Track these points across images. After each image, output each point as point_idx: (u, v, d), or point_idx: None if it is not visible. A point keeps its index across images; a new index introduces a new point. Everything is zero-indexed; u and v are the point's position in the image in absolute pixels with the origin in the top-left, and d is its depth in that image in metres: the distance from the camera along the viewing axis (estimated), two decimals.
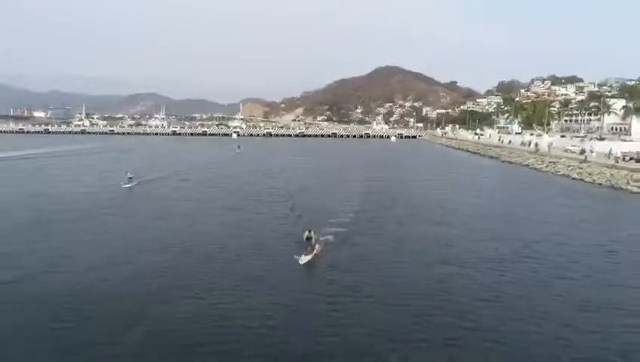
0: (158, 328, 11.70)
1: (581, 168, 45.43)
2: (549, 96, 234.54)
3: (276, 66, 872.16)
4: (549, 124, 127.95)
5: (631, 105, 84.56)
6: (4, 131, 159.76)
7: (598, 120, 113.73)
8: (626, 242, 20.66)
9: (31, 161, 58.36)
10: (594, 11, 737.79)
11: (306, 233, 17.80)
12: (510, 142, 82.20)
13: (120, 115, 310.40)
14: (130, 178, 34.66)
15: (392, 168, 56.75)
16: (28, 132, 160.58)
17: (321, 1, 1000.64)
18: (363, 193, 33.90)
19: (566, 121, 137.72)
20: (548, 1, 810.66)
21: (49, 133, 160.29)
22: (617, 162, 43.39)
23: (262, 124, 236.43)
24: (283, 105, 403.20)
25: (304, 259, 16.72)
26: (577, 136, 77.02)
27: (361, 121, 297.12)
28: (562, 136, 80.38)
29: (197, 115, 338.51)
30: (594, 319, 12.29)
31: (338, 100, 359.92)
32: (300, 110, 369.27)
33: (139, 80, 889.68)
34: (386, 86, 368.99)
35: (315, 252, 17.44)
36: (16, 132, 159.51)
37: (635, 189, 35.01)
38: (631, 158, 45.18)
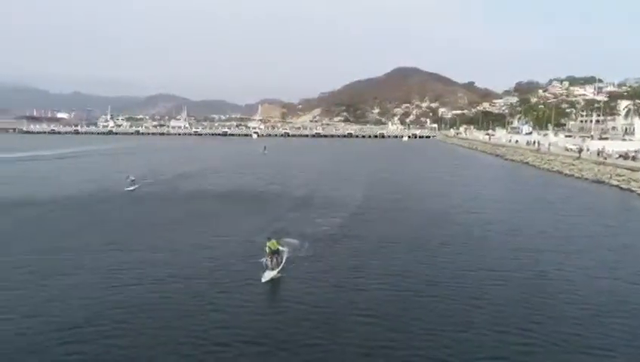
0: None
1: (573, 165, 49.25)
2: (567, 97, 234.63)
3: (294, 67, 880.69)
4: (563, 125, 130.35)
5: (631, 106, 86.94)
6: (38, 132, 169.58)
7: (614, 120, 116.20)
8: (568, 214, 25.51)
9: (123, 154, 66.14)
10: (614, 11, 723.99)
11: (269, 245, 15.04)
12: (517, 141, 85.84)
13: (140, 116, 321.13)
14: (133, 180, 35.06)
15: (400, 163, 61.14)
16: (59, 132, 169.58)
17: (339, 2, 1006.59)
18: (366, 186, 38.46)
19: (581, 121, 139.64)
20: (567, 1, 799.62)
21: (78, 133, 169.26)
22: (605, 159, 47.10)
23: (279, 125, 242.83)
24: (300, 105, 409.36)
25: (268, 276, 14.42)
26: (582, 136, 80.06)
27: (377, 122, 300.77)
28: (567, 136, 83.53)
29: (215, 116, 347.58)
30: (526, 244, 16.82)
31: (355, 101, 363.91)
32: (317, 111, 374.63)
33: (157, 81, 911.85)
34: (403, 87, 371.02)
35: (281, 266, 15.15)
36: (49, 132, 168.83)
37: (615, 182, 38.87)
38: (620, 156, 49.00)
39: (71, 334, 10.96)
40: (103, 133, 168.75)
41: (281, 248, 15.51)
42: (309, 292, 13.86)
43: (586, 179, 43.16)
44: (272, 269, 14.71)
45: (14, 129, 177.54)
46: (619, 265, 16.78)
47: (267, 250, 15.02)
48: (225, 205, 28.59)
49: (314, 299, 13.27)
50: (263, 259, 15.26)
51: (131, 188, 34.05)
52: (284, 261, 15.49)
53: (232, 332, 11.14)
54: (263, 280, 14.28)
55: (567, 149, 62.83)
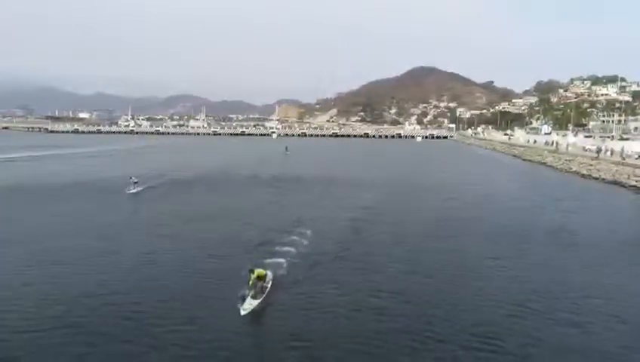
0: None
1: (591, 165, 48.93)
2: (589, 96, 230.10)
3: (311, 68, 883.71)
4: (584, 125, 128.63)
5: None
6: (62, 131, 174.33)
7: (636, 120, 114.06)
8: (576, 213, 25.80)
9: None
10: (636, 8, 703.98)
11: (252, 276, 12.95)
12: (535, 142, 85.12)
13: (160, 117, 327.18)
14: (136, 183, 33.35)
15: (413, 163, 61.56)
16: (82, 132, 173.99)
17: (357, 1, 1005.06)
18: (383, 184, 39.12)
19: (603, 121, 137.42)
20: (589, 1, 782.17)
21: (101, 132, 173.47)
22: (624, 159, 46.73)
23: (296, 125, 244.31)
24: (317, 106, 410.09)
25: (249, 306, 12.10)
26: (602, 136, 78.99)
27: (394, 122, 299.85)
28: (587, 137, 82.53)
29: (233, 116, 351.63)
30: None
31: (372, 101, 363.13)
32: (334, 111, 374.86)
33: (177, 82, 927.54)
34: (421, 86, 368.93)
35: (266, 293, 13.05)
36: (72, 132, 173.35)
37: (633, 183, 38.62)
38: (639, 156, 48.55)
39: None
40: (125, 133, 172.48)
41: (266, 273, 13.55)
42: (300, 326, 11.44)
43: (604, 179, 42.93)
44: (255, 297, 12.45)
45: (40, 128, 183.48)
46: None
47: (250, 283, 12.84)
48: (224, 214, 24.98)
49: (306, 335, 10.93)
50: (242, 290, 12.88)
51: (134, 190, 32.45)
52: (269, 287, 13.32)
53: None
54: (243, 312, 11.79)
55: (585, 150, 62.25)
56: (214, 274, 15.16)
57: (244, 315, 11.68)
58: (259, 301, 12.38)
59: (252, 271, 12.97)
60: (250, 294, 12.49)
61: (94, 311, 12.09)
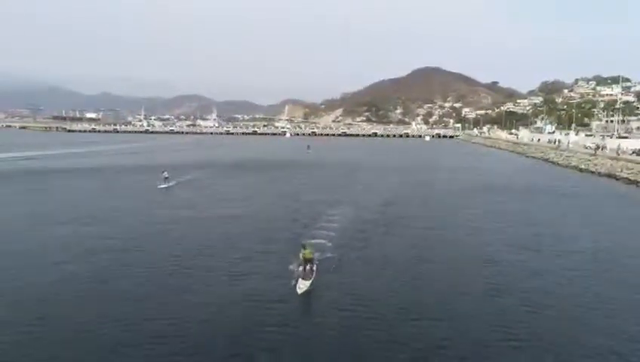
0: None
1: (589, 161, 53.68)
2: (593, 97, 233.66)
3: (316, 68, 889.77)
4: (587, 125, 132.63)
5: None
6: (80, 131, 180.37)
7: (639, 120, 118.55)
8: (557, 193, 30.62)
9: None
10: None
11: (304, 253, 13.95)
12: (539, 140, 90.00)
13: (167, 116, 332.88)
14: (167, 178, 33.56)
15: (428, 157, 66.43)
16: (99, 131, 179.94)
17: (362, 2, 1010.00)
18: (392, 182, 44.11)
19: (606, 121, 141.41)
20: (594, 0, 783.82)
21: (118, 132, 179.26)
22: (618, 155, 51.48)
23: (302, 125, 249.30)
24: (323, 106, 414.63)
25: (303, 287, 13.16)
26: (602, 135, 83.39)
27: (400, 122, 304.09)
28: (588, 135, 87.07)
29: (239, 116, 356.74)
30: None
31: (377, 101, 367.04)
32: (339, 111, 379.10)
33: (183, 82, 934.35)
34: (426, 87, 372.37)
35: (314, 276, 13.89)
36: (90, 131, 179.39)
37: (624, 175, 43.35)
38: (633, 152, 53.35)
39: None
40: (140, 132, 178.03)
41: (313, 256, 14.34)
42: (347, 303, 12.41)
43: (599, 173, 47.59)
44: (306, 279, 13.46)
45: (57, 128, 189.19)
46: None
47: (301, 257, 13.92)
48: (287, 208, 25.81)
49: (353, 313, 11.81)
50: (293, 267, 14.33)
51: (165, 185, 32.64)
52: (316, 268, 14.23)
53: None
54: (299, 291, 12.92)
55: (585, 147, 66.91)
56: (266, 255, 16.61)
57: (301, 294, 12.86)
58: (310, 281, 13.47)
59: (304, 247, 14.18)
60: (302, 276, 13.52)
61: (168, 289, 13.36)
